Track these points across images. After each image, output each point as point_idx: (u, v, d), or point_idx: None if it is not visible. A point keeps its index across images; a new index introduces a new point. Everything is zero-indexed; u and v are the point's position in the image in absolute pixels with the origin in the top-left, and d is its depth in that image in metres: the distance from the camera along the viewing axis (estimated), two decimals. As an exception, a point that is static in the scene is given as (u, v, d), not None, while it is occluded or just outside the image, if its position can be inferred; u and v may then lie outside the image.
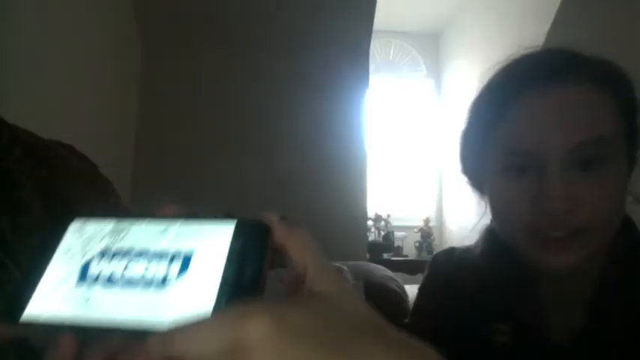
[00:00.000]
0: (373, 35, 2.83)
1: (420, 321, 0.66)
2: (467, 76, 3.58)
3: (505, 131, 0.54)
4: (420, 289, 0.69)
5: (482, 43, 3.44)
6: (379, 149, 3.87)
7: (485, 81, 0.57)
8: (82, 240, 0.31)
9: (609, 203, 0.50)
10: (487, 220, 0.62)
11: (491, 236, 0.62)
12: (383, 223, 3.55)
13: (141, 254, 0.29)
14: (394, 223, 3.60)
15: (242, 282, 0.27)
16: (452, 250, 0.69)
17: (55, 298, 0.29)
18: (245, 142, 2.63)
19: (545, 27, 2.66)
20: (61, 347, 0.26)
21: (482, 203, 0.62)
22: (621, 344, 0.52)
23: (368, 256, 2.90)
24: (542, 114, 0.51)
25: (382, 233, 3.52)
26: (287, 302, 0.25)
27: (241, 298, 0.25)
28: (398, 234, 3.55)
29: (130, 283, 0.28)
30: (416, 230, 3.66)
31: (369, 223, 3.28)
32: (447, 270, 0.67)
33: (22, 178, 0.56)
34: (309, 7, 2.53)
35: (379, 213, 3.56)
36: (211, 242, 0.29)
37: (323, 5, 2.54)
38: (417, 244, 3.59)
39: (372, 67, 2.94)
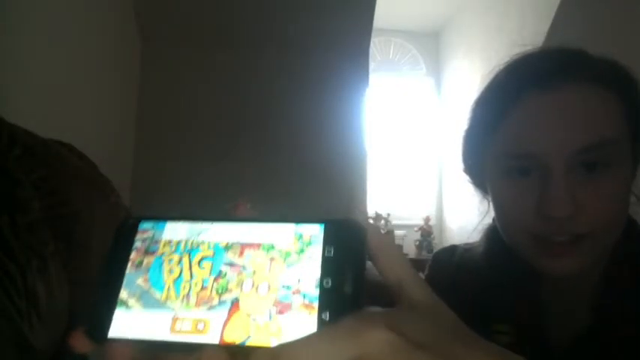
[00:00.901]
0: (373, 34, 2.83)
1: None
2: (467, 75, 3.58)
3: (506, 132, 0.52)
4: None
5: (482, 42, 3.44)
6: (379, 148, 3.87)
7: (487, 80, 0.57)
8: (155, 245, 0.28)
9: (613, 208, 0.49)
10: (489, 219, 0.62)
11: (493, 235, 0.62)
12: (383, 221, 3.55)
13: (224, 263, 0.26)
14: (394, 221, 3.59)
15: (343, 291, 0.24)
16: (453, 248, 0.69)
17: (136, 314, 0.26)
18: (245, 142, 2.63)
19: (545, 26, 2.65)
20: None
21: (484, 202, 0.61)
22: (623, 346, 0.52)
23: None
24: (544, 115, 0.50)
25: (382, 232, 3.51)
26: (396, 312, 0.24)
27: (345, 309, 0.23)
28: (398, 233, 3.55)
29: (218, 293, 0.25)
30: (416, 229, 3.65)
31: (370, 221, 3.28)
32: (447, 269, 0.66)
33: (22, 178, 0.56)
34: (309, 6, 2.53)
35: (379, 212, 3.56)
36: (301, 247, 0.26)
37: (323, 5, 2.53)
38: (417, 242, 3.59)
39: (372, 65, 2.94)
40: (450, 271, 0.65)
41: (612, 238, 0.51)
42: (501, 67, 0.56)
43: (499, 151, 0.53)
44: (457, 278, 0.64)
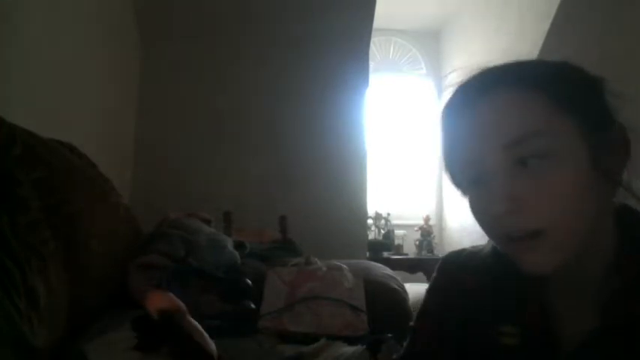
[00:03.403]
0: (373, 33, 2.83)
1: (425, 323, 0.66)
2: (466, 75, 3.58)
3: (458, 146, 0.56)
4: (427, 291, 0.69)
5: (482, 41, 3.44)
6: (379, 147, 3.87)
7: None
8: None
9: (558, 202, 0.50)
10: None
11: None
12: (383, 221, 3.55)
13: None
14: (394, 221, 3.60)
15: None
16: (461, 252, 0.69)
17: None
18: (245, 141, 2.63)
19: (545, 26, 2.65)
20: None
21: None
22: (630, 346, 0.52)
23: (368, 254, 2.90)
24: (476, 123, 0.54)
25: (382, 232, 3.52)
26: None
27: None
28: (398, 232, 3.55)
29: None
30: (416, 229, 3.65)
31: (369, 221, 3.28)
32: (453, 271, 0.67)
33: (22, 178, 0.56)
34: (310, 7, 2.53)
35: (379, 211, 3.56)
36: None
37: (323, 5, 2.54)
38: (417, 242, 3.59)
39: (372, 65, 2.94)
40: (455, 273, 0.66)
41: (573, 235, 0.51)
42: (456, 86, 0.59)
43: (460, 163, 0.57)
44: (463, 280, 0.64)
